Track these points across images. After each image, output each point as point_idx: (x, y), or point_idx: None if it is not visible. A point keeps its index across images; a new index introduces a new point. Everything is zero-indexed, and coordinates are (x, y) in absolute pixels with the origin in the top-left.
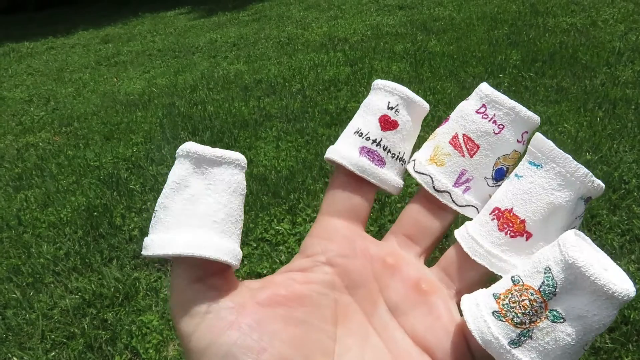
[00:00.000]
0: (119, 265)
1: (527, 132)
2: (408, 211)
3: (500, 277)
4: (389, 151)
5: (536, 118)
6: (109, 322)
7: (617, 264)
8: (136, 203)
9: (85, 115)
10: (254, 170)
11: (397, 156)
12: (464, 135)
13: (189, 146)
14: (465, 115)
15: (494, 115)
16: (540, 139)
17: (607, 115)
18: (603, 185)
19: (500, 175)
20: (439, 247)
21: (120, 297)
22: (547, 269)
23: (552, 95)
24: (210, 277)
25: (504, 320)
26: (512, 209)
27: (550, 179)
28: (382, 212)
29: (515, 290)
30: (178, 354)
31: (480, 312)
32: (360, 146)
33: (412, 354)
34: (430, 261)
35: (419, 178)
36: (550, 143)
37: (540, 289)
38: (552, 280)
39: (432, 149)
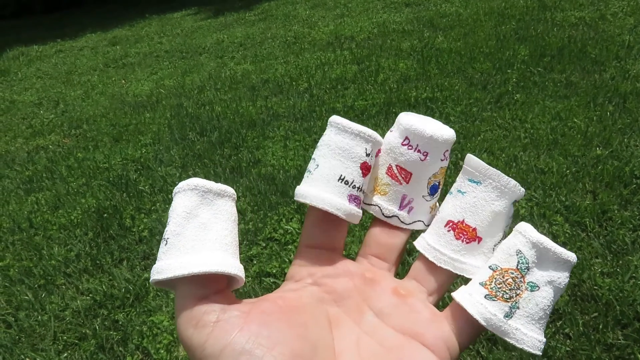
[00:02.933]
0: (129, 266)
1: (447, 150)
2: (370, 235)
3: (463, 277)
4: (363, 191)
5: (452, 136)
6: (120, 322)
7: (629, 259)
8: (145, 204)
9: (94, 117)
10: (262, 170)
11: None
12: (397, 165)
13: (196, 181)
14: (394, 148)
15: (417, 145)
16: (474, 160)
17: (617, 110)
18: (524, 190)
19: (434, 190)
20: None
21: (130, 298)
22: (518, 251)
23: (562, 90)
24: (214, 294)
25: (495, 299)
26: (463, 220)
27: (489, 192)
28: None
29: (496, 275)
30: None
31: (475, 298)
32: (348, 194)
33: (403, 342)
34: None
35: (369, 209)
36: (483, 163)
37: (518, 267)
38: (524, 258)
39: (373, 181)
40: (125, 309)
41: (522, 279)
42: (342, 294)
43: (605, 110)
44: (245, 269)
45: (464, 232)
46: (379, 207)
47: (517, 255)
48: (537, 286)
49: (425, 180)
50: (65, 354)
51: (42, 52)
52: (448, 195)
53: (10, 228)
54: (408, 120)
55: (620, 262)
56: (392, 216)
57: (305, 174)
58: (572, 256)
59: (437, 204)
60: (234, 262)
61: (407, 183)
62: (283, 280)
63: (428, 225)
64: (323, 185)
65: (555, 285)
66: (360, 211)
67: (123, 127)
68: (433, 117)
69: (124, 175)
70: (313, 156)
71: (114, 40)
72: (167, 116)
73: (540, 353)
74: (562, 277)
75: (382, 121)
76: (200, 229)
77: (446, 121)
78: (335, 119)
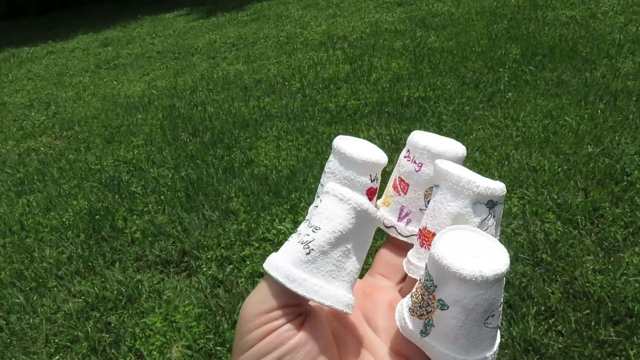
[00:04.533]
0: (121, 268)
1: None
2: (380, 255)
3: None
4: None
5: (453, 151)
6: (113, 325)
7: (620, 256)
8: (138, 205)
9: (86, 118)
10: (255, 170)
11: None
12: (398, 177)
13: (367, 205)
14: (399, 161)
15: (414, 156)
16: (437, 164)
17: (608, 108)
18: (496, 188)
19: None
20: None
21: (123, 300)
22: (426, 266)
23: (553, 89)
24: (297, 305)
25: (413, 315)
26: (425, 226)
27: (444, 194)
28: None
29: (417, 288)
30: (182, 355)
31: (402, 310)
32: None
33: None
34: None
35: None
36: (444, 165)
37: (424, 284)
38: (428, 275)
39: (384, 195)
40: (118, 311)
41: (430, 296)
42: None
43: (596, 108)
44: (238, 270)
45: (427, 239)
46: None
47: (425, 269)
48: (446, 305)
49: (421, 192)
50: (57, 357)
51: (33, 53)
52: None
53: (2, 231)
54: (414, 136)
55: (612, 259)
56: (391, 227)
57: (316, 199)
58: (472, 274)
59: None
60: (351, 297)
61: (405, 194)
62: None
63: None
64: None
65: (463, 304)
66: None
67: (115, 128)
68: (425, 116)
69: (116, 177)
70: (321, 181)
71: (105, 41)
72: (160, 117)
73: None
74: (470, 297)
75: (374, 120)
76: (343, 256)
77: (438, 120)
78: (338, 145)
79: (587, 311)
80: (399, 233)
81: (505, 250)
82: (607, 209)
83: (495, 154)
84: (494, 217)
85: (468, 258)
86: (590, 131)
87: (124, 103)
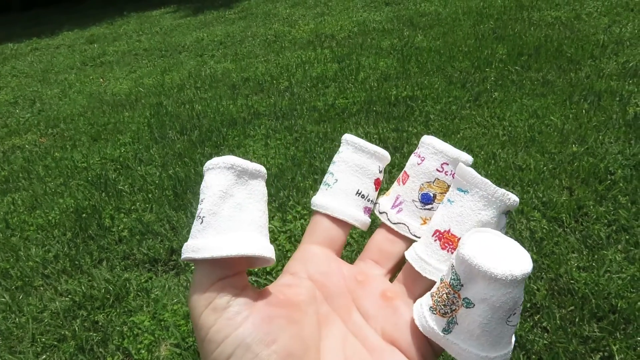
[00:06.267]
0: (108, 266)
1: (446, 163)
2: (373, 240)
3: None
4: (373, 203)
5: (453, 152)
6: (100, 323)
7: (604, 253)
8: (125, 204)
9: (72, 116)
10: None
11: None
12: (404, 171)
13: (232, 160)
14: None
15: (419, 151)
16: (463, 169)
17: (592, 107)
18: (517, 199)
19: (426, 199)
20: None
21: (110, 299)
22: (452, 265)
23: (539, 89)
24: (233, 276)
25: (435, 313)
26: (449, 229)
27: (476, 202)
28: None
29: (440, 287)
30: (170, 354)
31: (421, 309)
32: (364, 207)
33: (384, 347)
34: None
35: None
36: (472, 171)
37: (450, 283)
38: (455, 274)
39: (391, 188)
40: (105, 309)
41: (455, 295)
42: (334, 292)
43: (581, 108)
44: None
45: (450, 242)
46: (378, 204)
47: (451, 269)
48: (472, 303)
49: (417, 184)
50: (44, 356)
51: (17, 50)
52: (440, 205)
53: None
54: (425, 137)
55: (596, 256)
56: (383, 212)
57: (323, 186)
58: (503, 272)
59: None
60: (267, 244)
61: (404, 184)
62: (265, 279)
63: (415, 236)
64: (343, 198)
65: (490, 303)
66: (370, 220)
67: (102, 126)
68: (413, 115)
69: (103, 175)
70: (330, 170)
71: (91, 38)
72: (147, 115)
73: None
74: (498, 295)
75: (362, 119)
76: (235, 209)
77: (426, 119)
78: (349, 137)
79: (572, 308)
80: (389, 219)
81: (527, 252)
82: (591, 207)
83: (482, 153)
84: (505, 227)
85: (496, 258)
86: (574, 130)
87: (111, 101)
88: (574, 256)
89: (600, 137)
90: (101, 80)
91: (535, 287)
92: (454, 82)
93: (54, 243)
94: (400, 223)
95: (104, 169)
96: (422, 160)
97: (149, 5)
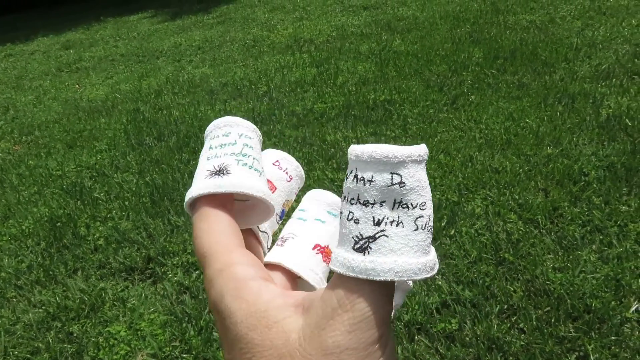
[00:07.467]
0: (84, 276)
1: (293, 179)
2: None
3: None
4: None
5: (301, 176)
6: (75, 335)
7: (579, 254)
8: (101, 212)
9: (47, 123)
10: None
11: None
12: (267, 180)
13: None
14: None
15: (286, 168)
16: (331, 197)
17: (566, 110)
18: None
19: (282, 215)
20: None
21: (86, 309)
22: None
23: (514, 92)
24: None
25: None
26: (328, 246)
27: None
28: None
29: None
30: None
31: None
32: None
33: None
34: None
35: None
36: (339, 200)
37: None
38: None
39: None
40: (80, 320)
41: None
42: None
43: (555, 110)
44: None
45: (329, 256)
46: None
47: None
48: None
49: (282, 201)
50: None
51: None
52: (305, 221)
53: None
54: (275, 152)
55: (571, 257)
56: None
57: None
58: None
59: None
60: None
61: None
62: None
63: (269, 242)
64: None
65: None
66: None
67: (77, 133)
68: (391, 118)
69: (79, 183)
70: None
71: (67, 43)
72: (123, 121)
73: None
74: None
75: (341, 123)
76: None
77: (404, 123)
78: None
79: (548, 308)
80: (258, 227)
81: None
82: (566, 208)
83: (459, 155)
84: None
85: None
86: (549, 133)
87: (87, 107)
88: (550, 257)
89: (574, 139)
90: (77, 86)
91: (512, 289)
92: (431, 86)
93: (28, 253)
94: (264, 232)
95: (79, 177)
96: (291, 178)
97: (126, 10)
